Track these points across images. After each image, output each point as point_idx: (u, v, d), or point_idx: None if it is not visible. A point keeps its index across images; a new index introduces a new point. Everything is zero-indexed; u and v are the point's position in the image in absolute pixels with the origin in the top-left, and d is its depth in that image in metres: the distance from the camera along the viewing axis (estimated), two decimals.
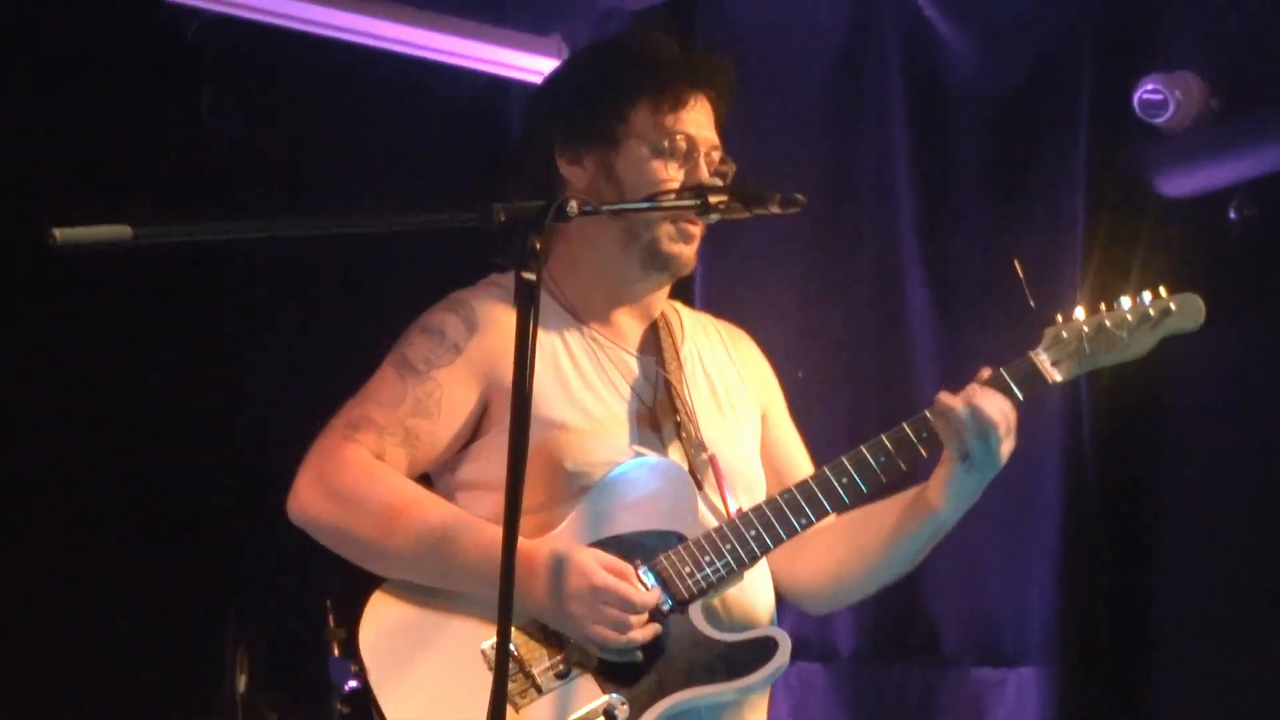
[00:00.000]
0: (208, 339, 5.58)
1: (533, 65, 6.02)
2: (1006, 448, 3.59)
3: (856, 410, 6.20)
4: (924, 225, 6.33)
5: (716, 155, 3.75)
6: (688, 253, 3.72)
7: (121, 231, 2.82)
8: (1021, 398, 3.64)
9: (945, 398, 3.58)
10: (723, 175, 3.73)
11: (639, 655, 3.49)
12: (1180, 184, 6.05)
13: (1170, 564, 6.16)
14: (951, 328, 6.28)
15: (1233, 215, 5.98)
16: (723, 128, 3.81)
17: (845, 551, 3.80)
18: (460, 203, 3.07)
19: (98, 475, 5.37)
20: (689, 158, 3.70)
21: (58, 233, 2.77)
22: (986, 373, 3.64)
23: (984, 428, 3.54)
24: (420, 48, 5.91)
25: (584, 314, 3.75)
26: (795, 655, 3.55)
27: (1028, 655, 6.18)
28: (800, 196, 3.44)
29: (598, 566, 3.44)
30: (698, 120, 3.74)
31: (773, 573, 3.79)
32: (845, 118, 6.38)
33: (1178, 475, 6.18)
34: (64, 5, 5.31)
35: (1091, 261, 6.14)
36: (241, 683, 4.97)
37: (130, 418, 5.43)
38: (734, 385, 3.89)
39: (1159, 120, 5.93)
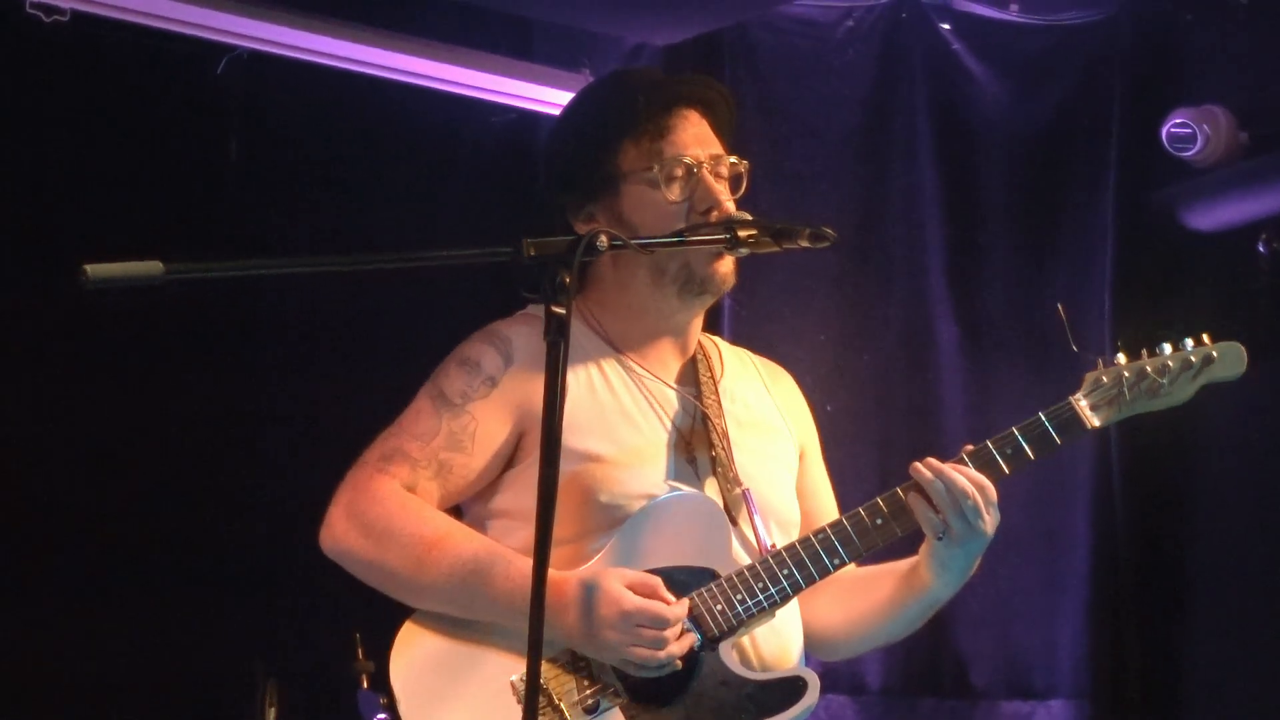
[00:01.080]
0: (233, 376, 5.58)
1: (562, 100, 6.03)
2: (990, 521, 3.56)
3: (885, 445, 6.20)
4: (952, 262, 6.34)
5: (725, 162, 3.70)
6: (722, 269, 3.66)
7: (153, 268, 2.77)
8: (1060, 443, 3.63)
9: (918, 469, 3.57)
10: (738, 177, 3.71)
11: (678, 664, 3.47)
12: (1209, 218, 6.06)
13: (1199, 597, 6.15)
14: (979, 363, 6.28)
15: (1262, 249, 5.98)
16: (728, 133, 3.76)
17: (844, 614, 3.81)
18: (491, 239, 3.07)
19: (123, 510, 5.37)
20: (690, 175, 3.65)
21: (90, 269, 2.72)
22: (969, 447, 3.63)
23: (957, 501, 3.53)
24: (450, 83, 5.92)
25: (622, 345, 3.73)
26: (825, 688, 3.55)
27: (1057, 688, 6.18)
28: (830, 230, 3.42)
29: (625, 590, 3.42)
30: (689, 138, 3.69)
31: None
32: (874, 155, 6.39)
33: (1206, 509, 6.17)
34: (92, 41, 5.31)
35: (1120, 296, 6.15)
36: (271, 716, 4.96)
37: (155, 452, 5.43)
38: (772, 421, 3.86)
39: (1187, 154, 5.94)
